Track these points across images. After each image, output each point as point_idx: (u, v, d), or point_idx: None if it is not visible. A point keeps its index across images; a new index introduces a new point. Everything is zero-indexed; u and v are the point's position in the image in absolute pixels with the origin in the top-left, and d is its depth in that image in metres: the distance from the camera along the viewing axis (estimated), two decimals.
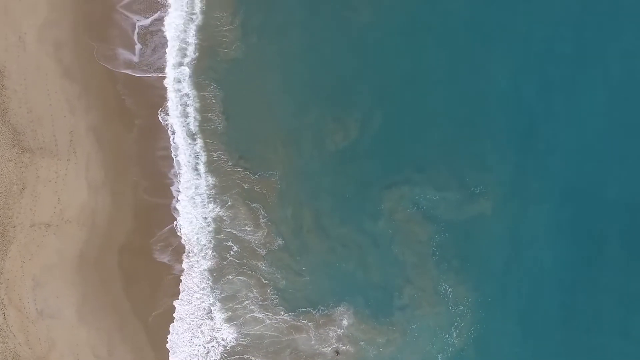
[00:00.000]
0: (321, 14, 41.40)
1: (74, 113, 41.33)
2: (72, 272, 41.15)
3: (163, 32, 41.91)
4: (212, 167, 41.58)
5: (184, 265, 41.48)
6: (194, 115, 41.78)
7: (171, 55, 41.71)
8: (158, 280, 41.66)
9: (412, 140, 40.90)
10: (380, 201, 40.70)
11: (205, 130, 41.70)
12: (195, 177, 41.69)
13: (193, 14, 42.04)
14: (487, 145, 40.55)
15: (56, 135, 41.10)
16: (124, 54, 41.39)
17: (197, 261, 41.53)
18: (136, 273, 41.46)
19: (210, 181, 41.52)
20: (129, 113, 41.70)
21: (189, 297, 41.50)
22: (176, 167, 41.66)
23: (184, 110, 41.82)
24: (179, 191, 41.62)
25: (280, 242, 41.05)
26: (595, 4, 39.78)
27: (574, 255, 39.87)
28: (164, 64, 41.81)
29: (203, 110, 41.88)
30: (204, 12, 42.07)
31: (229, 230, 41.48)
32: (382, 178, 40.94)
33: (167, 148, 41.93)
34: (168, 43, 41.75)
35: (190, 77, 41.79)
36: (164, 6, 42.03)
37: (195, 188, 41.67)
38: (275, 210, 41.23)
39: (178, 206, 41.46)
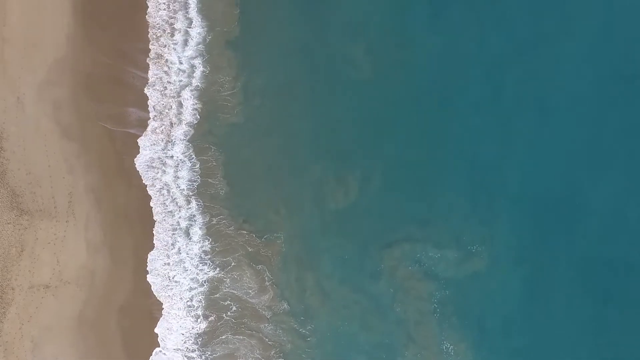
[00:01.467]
0: (322, 74, 41.53)
1: (73, 173, 41.17)
2: (71, 333, 40.80)
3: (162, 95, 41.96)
4: (212, 231, 41.35)
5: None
6: (189, 177, 41.61)
7: (168, 118, 41.61)
8: (157, 340, 41.36)
9: (411, 198, 40.81)
10: (380, 260, 40.54)
11: (205, 194, 41.53)
12: (192, 240, 41.50)
13: (193, 77, 41.99)
14: (484, 203, 40.48)
15: (55, 196, 40.90)
16: (128, 112, 41.42)
17: (198, 319, 41.28)
18: (135, 333, 41.15)
19: (208, 245, 41.33)
20: (128, 172, 41.56)
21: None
22: (175, 228, 41.53)
23: (183, 172, 41.72)
24: (179, 252, 41.46)
25: (285, 305, 40.83)
26: None
27: (569, 311, 39.74)
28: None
29: (204, 174, 41.78)
30: (205, 76, 42.09)
31: (230, 291, 41.29)
32: (382, 236, 40.76)
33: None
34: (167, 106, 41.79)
35: (189, 140, 41.64)
36: (167, 73, 42.12)
37: (192, 250, 41.48)
38: (280, 273, 41.05)
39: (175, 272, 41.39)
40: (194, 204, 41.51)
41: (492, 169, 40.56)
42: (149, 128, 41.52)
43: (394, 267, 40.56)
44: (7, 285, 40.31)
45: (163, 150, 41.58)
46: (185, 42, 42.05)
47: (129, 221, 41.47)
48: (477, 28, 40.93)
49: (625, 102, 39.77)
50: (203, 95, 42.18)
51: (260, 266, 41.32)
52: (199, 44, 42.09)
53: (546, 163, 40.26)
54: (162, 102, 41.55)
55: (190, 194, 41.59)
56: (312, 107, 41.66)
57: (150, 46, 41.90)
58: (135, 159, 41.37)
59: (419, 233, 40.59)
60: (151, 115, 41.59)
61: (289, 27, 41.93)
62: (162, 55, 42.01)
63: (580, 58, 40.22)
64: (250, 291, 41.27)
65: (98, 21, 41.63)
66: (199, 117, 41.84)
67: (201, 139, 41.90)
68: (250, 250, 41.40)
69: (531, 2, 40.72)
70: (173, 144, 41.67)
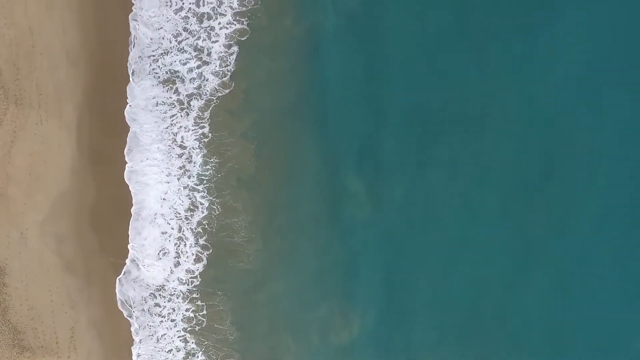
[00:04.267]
0: (338, 214, 42.02)
1: (75, 308, 41.36)
2: None
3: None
4: None
5: None
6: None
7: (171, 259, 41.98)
8: None
9: (415, 334, 41.77)
10: None
11: (210, 337, 41.89)
12: None
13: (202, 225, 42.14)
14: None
15: (57, 332, 41.01)
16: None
17: None
18: None
19: None
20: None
21: None
22: None
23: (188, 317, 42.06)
24: None
25: None
26: None
27: None
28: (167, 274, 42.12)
29: (210, 320, 42.02)
30: (216, 217, 41.91)
31: None
32: None
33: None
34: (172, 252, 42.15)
35: (196, 288, 41.96)
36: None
37: None
38: None
39: None
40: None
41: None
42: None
43: None
44: None
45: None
46: (188, 176, 42.26)
47: (132, 356, 41.68)
48: None
49: None
50: (211, 238, 42.08)
51: None
52: (208, 180, 41.96)
53: None
54: (165, 245, 41.83)
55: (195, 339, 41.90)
56: (325, 248, 42.14)
57: None
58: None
59: None
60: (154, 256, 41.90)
61: (310, 164, 41.99)
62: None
63: None
64: None
65: (102, 156, 41.91)
66: (206, 262, 41.93)
67: (207, 284, 41.97)
68: None
69: None
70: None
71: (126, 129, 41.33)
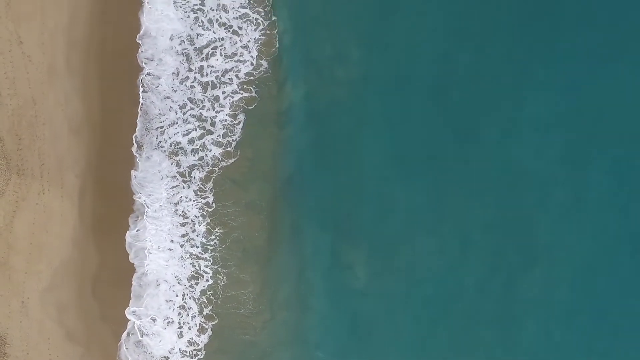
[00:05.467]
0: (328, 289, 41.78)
1: None
2: None
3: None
4: None
5: None
6: None
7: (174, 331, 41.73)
8: None
9: None
10: None
11: None
12: None
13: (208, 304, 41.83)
14: None
15: None
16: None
17: None
18: None
19: None
20: None
21: None
22: None
23: None
24: None
25: None
26: None
27: None
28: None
29: None
30: (222, 288, 41.48)
31: None
32: None
33: None
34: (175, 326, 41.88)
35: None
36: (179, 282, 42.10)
37: None
38: None
39: None
40: None
41: None
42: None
43: None
44: None
45: None
46: (192, 245, 41.96)
47: None
48: None
49: None
50: (216, 309, 41.68)
51: None
52: (213, 250, 41.60)
53: None
54: (168, 314, 41.57)
55: None
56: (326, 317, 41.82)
57: None
58: None
59: None
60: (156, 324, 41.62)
61: (321, 236, 41.63)
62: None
63: None
64: None
65: (104, 225, 41.57)
66: (210, 332, 41.60)
67: (211, 356, 41.52)
68: None
69: None
70: None
71: (129, 197, 41.02)
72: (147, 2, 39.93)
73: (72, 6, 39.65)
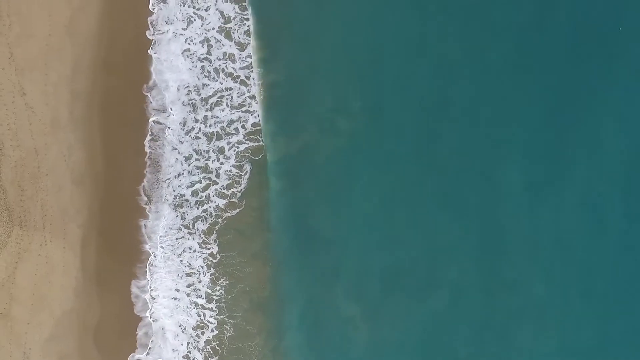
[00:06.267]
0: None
1: None
2: None
3: None
4: None
5: None
6: None
7: None
8: None
9: None
10: None
11: None
12: None
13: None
14: None
15: None
16: None
17: None
18: None
19: None
20: None
21: None
22: None
23: None
24: None
25: None
26: None
27: None
28: None
29: None
30: (228, 339, 41.21)
31: None
32: None
33: None
34: None
35: None
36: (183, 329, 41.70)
37: None
38: None
39: None
40: None
41: None
42: None
43: None
44: None
45: None
46: (197, 295, 41.58)
47: None
48: None
49: None
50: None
51: None
52: (218, 300, 41.21)
53: None
54: None
55: None
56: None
57: None
58: None
59: None
60: None
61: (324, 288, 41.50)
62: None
63: None
64: None
65: (106, 275, 41.15)
66: None
67: None
68: None
69: None
70: None
71: (132, 247, 40.65)
72: (156, 53, 39.33)
73: (75, 57, 38.90)
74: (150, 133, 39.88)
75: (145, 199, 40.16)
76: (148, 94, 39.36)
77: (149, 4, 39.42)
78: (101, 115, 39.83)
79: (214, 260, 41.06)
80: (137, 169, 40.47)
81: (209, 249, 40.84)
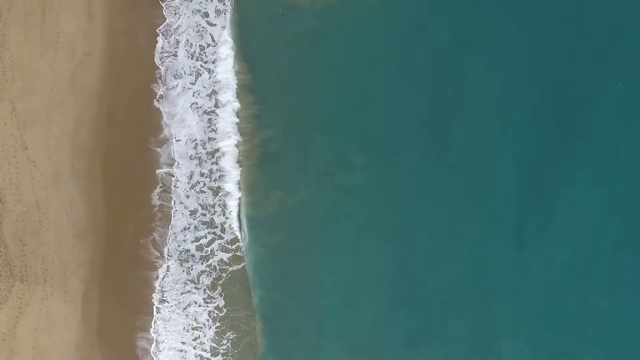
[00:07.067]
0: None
1: None
2: None
3: None
4: None
5: None
6: None
7: None
8: None
9: None
10: None
11: None
12: None
13: None
14: None
15: None
16: None
17: None
18: None
19: None
20: None
21: None
22: None
23: None
24: None
25: None
26: None
27: None
28: None
29: None
30: None
31: None
32: None
33: None
34: None
35: None
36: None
37: None
38: None
39: None
40: None
41: None
42: None
43: None
44: None
45: None
46: (203, 349, 41.07)
47: None
48: None
49: None
50: None
51: None
52: (224, 354, 40.90)
53: None
54: None
55: None
56: None
57: None
58: None
59: None
60: None
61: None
62: None
63: None
64: None
65: (108, 329, 40.59)
66: None
67: None
68: None
69: None
70: None
71: (133, 301, 40.24)
72: (166, 108, 38.77)
73: (77, 111, 38.14)
74: (161, 184, 39.21)
75: (157, 253, 39.64)
76: (159, 149, 38.75)
77: (153, 57, 38.51)
78: (103, 168, 39.09)
79: (219, 314, 40.54)
80: (139, 222, 39.87)
81: (214, 302, 40.33)
